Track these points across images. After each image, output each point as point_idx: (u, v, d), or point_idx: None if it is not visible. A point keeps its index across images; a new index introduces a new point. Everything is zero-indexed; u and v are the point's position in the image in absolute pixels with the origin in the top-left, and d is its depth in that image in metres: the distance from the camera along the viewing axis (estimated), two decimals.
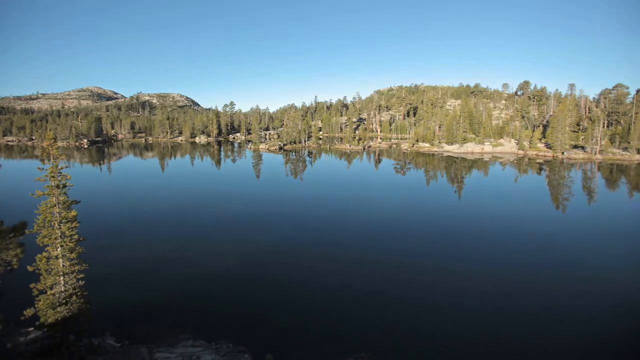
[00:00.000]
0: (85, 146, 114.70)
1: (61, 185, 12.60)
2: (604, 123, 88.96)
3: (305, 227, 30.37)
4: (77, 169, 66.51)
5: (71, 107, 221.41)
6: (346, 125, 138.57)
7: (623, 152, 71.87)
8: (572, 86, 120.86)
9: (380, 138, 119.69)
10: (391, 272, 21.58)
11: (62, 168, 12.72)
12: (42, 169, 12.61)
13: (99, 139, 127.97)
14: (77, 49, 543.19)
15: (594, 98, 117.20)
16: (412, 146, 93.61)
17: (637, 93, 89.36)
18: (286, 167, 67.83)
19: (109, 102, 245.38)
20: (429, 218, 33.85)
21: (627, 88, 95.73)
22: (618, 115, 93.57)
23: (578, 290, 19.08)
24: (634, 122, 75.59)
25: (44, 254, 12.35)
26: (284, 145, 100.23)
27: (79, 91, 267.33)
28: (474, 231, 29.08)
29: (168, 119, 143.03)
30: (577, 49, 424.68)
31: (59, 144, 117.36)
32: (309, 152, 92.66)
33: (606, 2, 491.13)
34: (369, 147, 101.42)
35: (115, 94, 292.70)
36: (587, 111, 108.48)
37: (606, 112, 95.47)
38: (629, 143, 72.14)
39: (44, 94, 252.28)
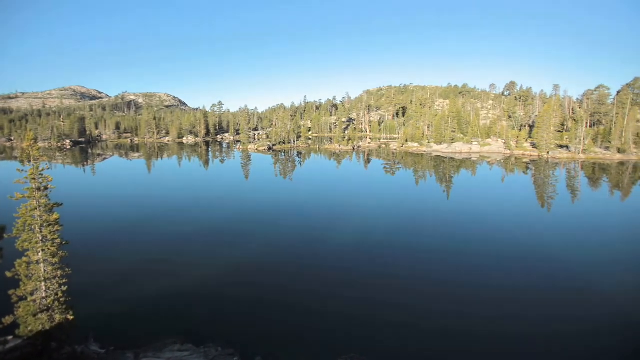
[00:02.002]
0: (68, 147, 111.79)
1: (42, 188, 12.14)
2: (587, 123, 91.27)
3: (294, 230, 30.16)
4: (60, 171, 64.77)
5: (53, 106, 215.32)
6: (336, 126, 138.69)
7: (605, 152, 73.91)
8: (556, 87, 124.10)
9: (370, 138, 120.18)
10: (380, 276, 21.59)
11: (43, 170, 12.25)
12: (22, 170, 12.14)
13: (83, 139, 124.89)
14: (59, 47, 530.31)
15: (577, 99, 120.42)
16: (402, 146, 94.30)
17: (617, 94, 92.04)
18: (275, 168, 67.46)
19: (93, 102, 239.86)
20: (419, 220, 34.08)
21: (609, 89, 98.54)
22: (600, 115, 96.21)
23: (572, 300, 18.69)
24: (614, 123, 77.88)
25: (24, 258, 11.87)
26: (273, 145, 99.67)
27: (61, 90, 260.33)
28: (463, 235, 29.32)
29: (155, 119, 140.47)
30: (561, 50, 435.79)
31: (40, 144, 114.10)
32: (298, 152, 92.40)
33: (587, 6, 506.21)
34: (359, 147, 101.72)
35: (100, 93, 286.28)
36: (570, 111, 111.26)
37: (589, 113, 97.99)
38: (610, 143, 74.25)
39: (23, 93, 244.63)
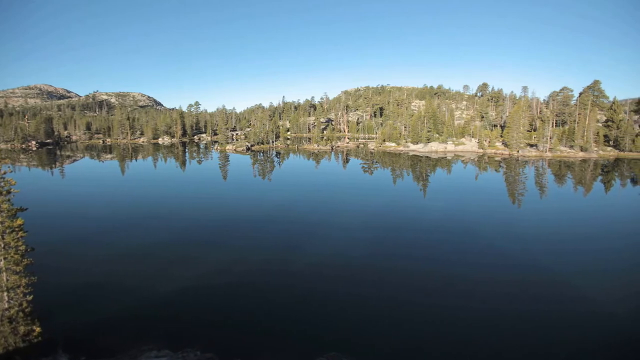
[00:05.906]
0: (34, 148, 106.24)
1: (4, 192, 11.56)
2: (553, 123, 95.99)
3: (272, 230, 29.98)
4: (25, 174, 61.39)
5: (16, 106, 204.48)
6: (314, 126, 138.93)
7: (569, 150, 78.01)
8: (525, 88, 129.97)
9: (348, 138, 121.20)
10: (362, 273, 21.83)
11: (5, 173, 11.67)
12: None
13: (50, 140, 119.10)
14: (24, 43, 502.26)
15: (544, 100, 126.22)
16: (379, 146, 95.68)
17: (579, 95, 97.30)
18: (254, 168, 66.84)
19: (61, 101, 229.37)
20: (399, 217, 34.68)
21: (572, 91, 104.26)
22: (565, 116, 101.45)
23: (549, 295, 18.98)
24: (577, 123, 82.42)
25: None
26: (252, 145, 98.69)
27: (26, 89, 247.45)
28: (443, 231, 30.05)
29: (128, 119, 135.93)
30: (529, 53, 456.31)
31: (2, 146, 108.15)
32: (277, 152, 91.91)
33: (555, 9, 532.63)
34: (337, 147, 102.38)
35: (69, 92, 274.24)
36: (538, 112, 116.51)
37: (555, 113, 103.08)
38: (574, 141, 78.54)
39: None
